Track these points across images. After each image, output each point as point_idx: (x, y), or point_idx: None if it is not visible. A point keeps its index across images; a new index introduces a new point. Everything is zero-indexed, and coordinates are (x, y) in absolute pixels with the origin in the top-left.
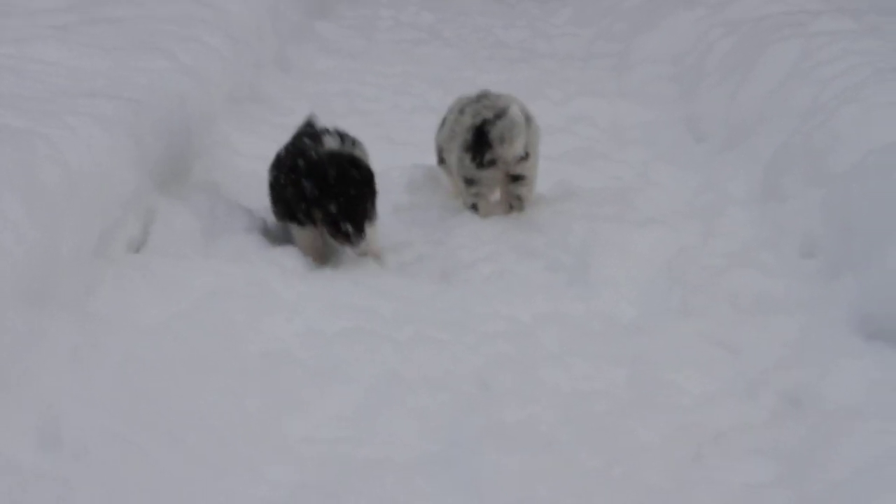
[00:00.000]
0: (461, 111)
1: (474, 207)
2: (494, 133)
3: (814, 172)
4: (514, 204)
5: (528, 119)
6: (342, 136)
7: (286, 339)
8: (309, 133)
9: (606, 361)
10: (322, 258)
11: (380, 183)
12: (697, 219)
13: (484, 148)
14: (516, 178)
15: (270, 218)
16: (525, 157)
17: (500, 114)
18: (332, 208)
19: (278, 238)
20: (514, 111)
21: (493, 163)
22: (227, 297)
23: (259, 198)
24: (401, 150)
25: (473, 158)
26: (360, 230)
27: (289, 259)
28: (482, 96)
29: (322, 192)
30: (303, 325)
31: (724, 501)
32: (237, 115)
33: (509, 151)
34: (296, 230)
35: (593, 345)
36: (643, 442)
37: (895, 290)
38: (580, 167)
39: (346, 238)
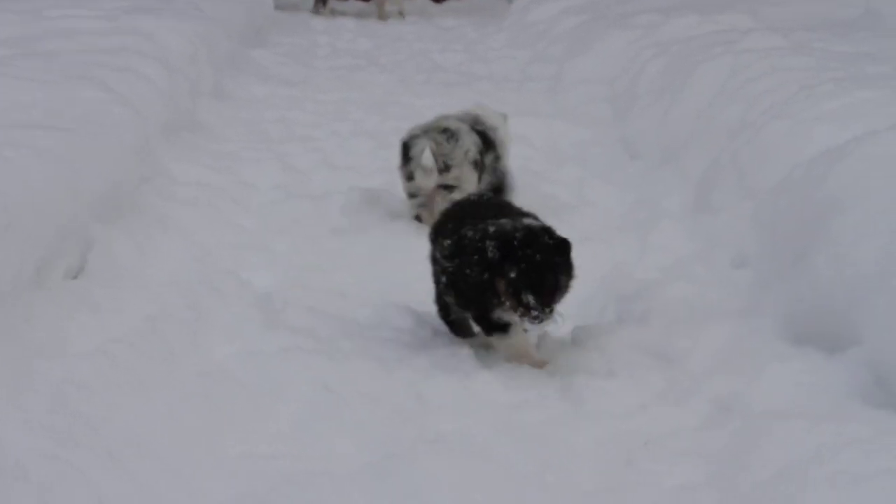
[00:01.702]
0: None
1: (418, 218)
2: (413, 152)
3: (743, 187)
4: None
5: (456, 136)
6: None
7: (224, 359)
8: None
9: (541, 373)
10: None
11: (319, 207)
12: (632, 234)
13: (408, 160)
14: (447, 188)
15: (208, 243)
16: (447, 168)
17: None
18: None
19: (216, 264)
20: (426, 159)
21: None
22: (165, 320)
23: (195, 222)
24: (339, 174)
25: (405, 174)
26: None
27: (226, 283)
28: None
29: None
30: (240, 346)
31: (653, 503)
32: (174, 143)
33: (423, 183)
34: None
35: None
36: (576, 449)
37: (821, 297)
38: (517, 186)
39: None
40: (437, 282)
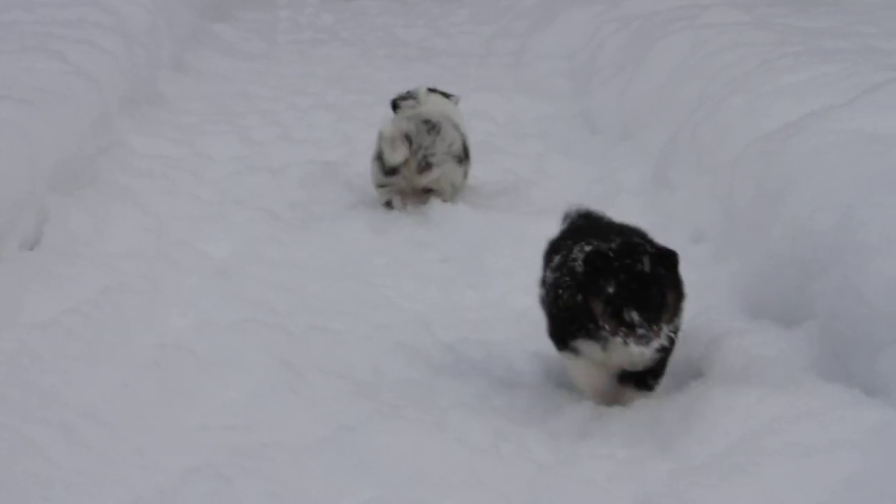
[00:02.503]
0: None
1: (388, 204)
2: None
3: (702, 161)
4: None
5: (437, 128)
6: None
7: (180, 331)
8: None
9: (498, 347)
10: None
11: (278, 179)
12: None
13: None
14: (428, 191)
15: (166, 214)
16: (427, 167)
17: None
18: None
19: (173, 236)
20: (384, 127)
21: (394, 171)
22: (121, 292)
23: (153, 194)
24: (298, 147)
25: (381, 167)
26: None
27: (182, 254)
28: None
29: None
30: (197, 319)
31: (608, 474)
32: (133, 116)
33: (391, 158)
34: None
35: (486, 331)
36: (531, 421)
37: (776, 271)
38: (477, 161)
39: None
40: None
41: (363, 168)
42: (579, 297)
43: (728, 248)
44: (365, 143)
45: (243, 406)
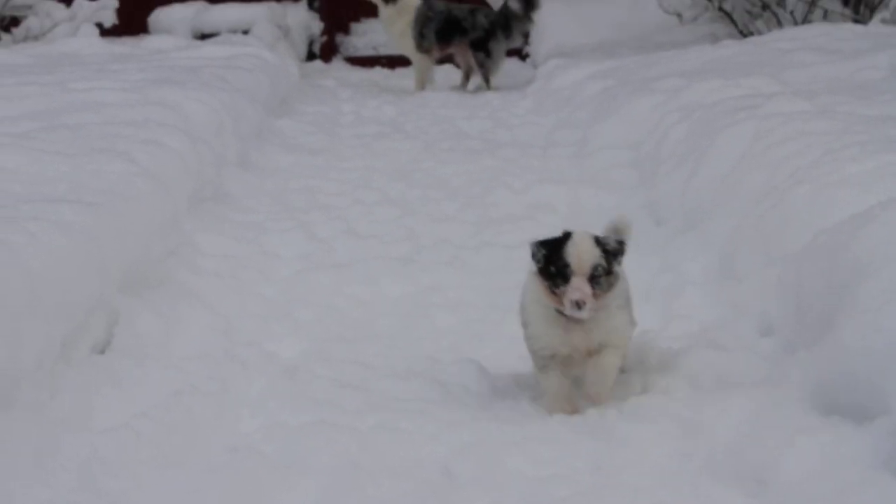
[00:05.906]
0: None
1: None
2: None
3: (768, 252)
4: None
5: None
6: None
7: (249, 433)
8: None
9: (568, 445)
10: None
11: (343, 276)
12: (657, 301)
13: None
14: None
15: (233, 315)
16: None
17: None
18: None
19: (240, 336)
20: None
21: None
22: (191, 394)
23: (221, 294)
24: (364, 243)
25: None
26: None
27: (251, 355)
28: None
29: None
30: (266, 420)
31: None
32: (199, 214)
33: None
34: None
35: (555, 429)
36: None
37: (848, 365)
38: None
39: None
40: None
41: (427, 263)
42: None
43: (797, 341)
44: (429, 239)
45: None
